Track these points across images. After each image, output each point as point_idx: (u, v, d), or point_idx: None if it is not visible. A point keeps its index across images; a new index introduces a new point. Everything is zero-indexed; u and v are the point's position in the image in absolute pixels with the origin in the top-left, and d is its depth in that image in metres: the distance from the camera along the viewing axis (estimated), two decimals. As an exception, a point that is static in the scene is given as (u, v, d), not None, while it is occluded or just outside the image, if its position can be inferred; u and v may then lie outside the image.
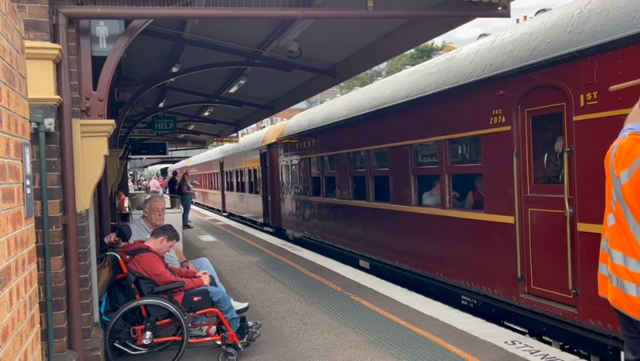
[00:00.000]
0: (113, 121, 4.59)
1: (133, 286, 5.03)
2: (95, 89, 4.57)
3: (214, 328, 5.28)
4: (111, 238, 5.49)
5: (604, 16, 5.17)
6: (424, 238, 8.40)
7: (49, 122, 3.94)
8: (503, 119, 6.44)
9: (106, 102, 4.58)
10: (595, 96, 5.19)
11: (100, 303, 5.07)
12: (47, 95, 3.99)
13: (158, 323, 4.96)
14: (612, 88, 3.40)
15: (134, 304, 4.92)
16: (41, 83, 3.97)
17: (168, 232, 5.44)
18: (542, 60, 5.78)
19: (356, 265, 10.68)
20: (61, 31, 4.18)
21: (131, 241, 5.47)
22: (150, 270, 5.04)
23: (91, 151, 4.44)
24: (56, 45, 4.06)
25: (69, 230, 4.19)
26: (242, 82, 10.19)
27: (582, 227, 5.39)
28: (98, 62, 4.77)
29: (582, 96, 5.35)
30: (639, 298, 2.51)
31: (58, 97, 4.08)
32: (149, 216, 6.18)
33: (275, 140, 16.66)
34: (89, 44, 4.56)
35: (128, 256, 5.11)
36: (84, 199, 4.42)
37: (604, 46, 5.07)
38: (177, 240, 5.56)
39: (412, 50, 42.98)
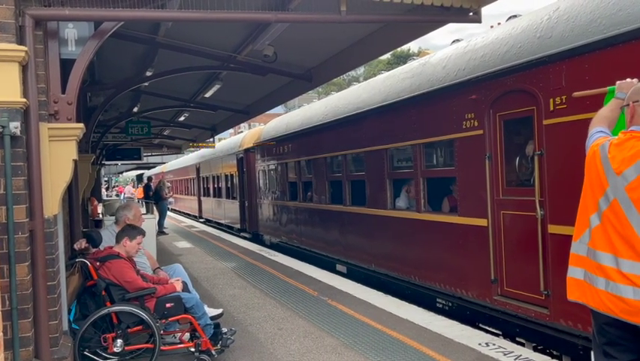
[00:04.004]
0: (82, 125, 4.51)
1: (103, 293, 4.92)
2: (63, 92, 4.48)
3: (187, 335, 5.20)
4: (81, 244, 5.37)
5: (571, 22, 5.29)
6: (400, 242, 8.44)
7: (15, 126, 3.85)
8: (476, 123, 6.52)
9: (75, 106, 4.49)
10: (564, 100, 5.29)
11: (69, 311, 4.96)
12: (13, 98, 3.90)
13: (129, 330, 4.86)
14: (576, 94, 3.46)
15: (104, 311, 4.82)
16: (6, 86, 3.88)
17: (127, 232, 5.33)
18: (513, 65, 5.88)
19: (333, 270, 10.67)
20: (27, 33, 4.09)
21: (101, 248, 5.36)
22: (121, 277, 4.94)
23: (59, 155, 4.35)
24: (22, 47, 3.97)
25: (36, 236, 4.09)
26: (217, 86, 10.14)
27: (553, 229, 5.47)
28: (67, 65, 4.68)
29: (551, 100, 5.45)
30: (638, 301, 2.42)
31: (25, 100, 3.99)
32: (136, 223, 5.96)
33: (252, 145, 16.59)
34: (57, 47, 4.47)
35: (98, 263, 5.01)
36: (52, 205, 4.32)
37: (571, 51, 5.18)
38: (142, 235, 5.41)
39: (389, 56, 43.30)
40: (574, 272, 2.72)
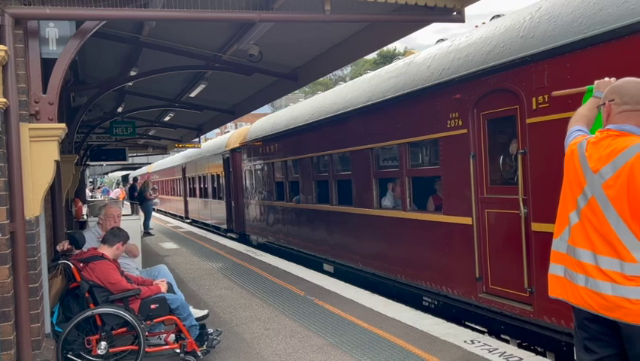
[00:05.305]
0: (63, 125, 4.45)
1: (87, 294, 4.88)
2: (44, 92, 4.42)
3: (173, 336, 5.17)
4: (64, 245, 5.31)
5: (553, 22, 5.34)
6: (386, 241, 8.47)
7: (-6, 126, 3.79)
8: (460, 123, 6.56)
9: (56, 106, 4.43)
10: (546, 99, 5.34)
11: (52, 313, 4.89)
12: (-8, 98, 3.84)
13: (113, 332, 4.82)
14: (555, 93, 3.51)
15: (88, 313, 4.77)
16: (-15, 86, 3.82)
17: (122, 236, 5.31)
18: (496, 64, 5.93)
19: (320, 270, 10.67)
20: (7, 32, 4.03)
21: (85, 249, 5.31)
22: (105, 278, 4.90)
23: (40, 156, 4.29)
24: (2, 46, 3.92)
25: (17, 238, 4.03)
26: (202, 86, 10.08)
27: (536, 227, 5.53)
28: (49, 65, 4.62)
29: (534, 99, 5.50)
30: (616, 297, 2.46)
31: (5, 100, 3.93)
32: (105, 223, 6.02)
33: (238, 145, 16.53)
34: (37, 46, 4.40)
35: (81, 264, 4.96)
36: (34, 206, 4.26)
37: (553, 50, 5.23)
38: (128, 239, 5.47)
39: (375, 56, 43.51)
40: (555, 269, 2.76)
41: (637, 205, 2.44)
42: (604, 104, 2.75)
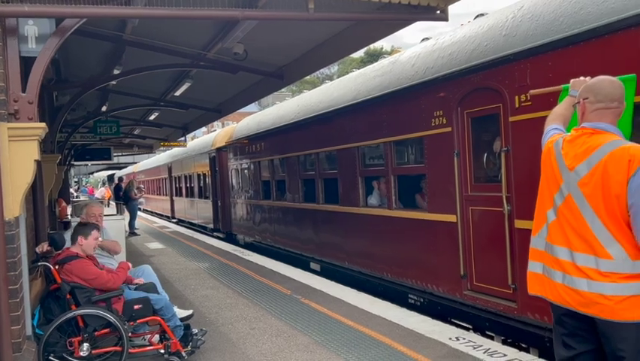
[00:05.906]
0: (43, 124, 4.38)
1: (68, 296, 4.81)
2: (24, 91, 4.35)
3: (157, 336, 5.13)
4: (43, 247, 5.24)
5: (535, 20, 5.39)
6: (372, 239, 8.49)
7: (-29, 126, 3.72)
8: (444, 121, 6.59)
9: (36, 105, 4.37)
10: (529, 97, 5.38)
11: (32, 316, 4.82)
12: (-31, 97, 3.77)
13: (96, 333, 4.77)
14: (532, 92, 3.55)
15: (70, 314, 4.71)
16: (-38, 84, 3.75)
17: (80, 230, 5.20)
18: (479, 63, 5.96)
19: (307, 268, 10.66)
20: (-16, 29, 3.97)
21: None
22: (85, 275, 4.84)
23: (20, 156, 4.22)
24: (-21, 44, 3.85)
25: (-4, 239, 3.97)
26: (187, 84, 10.01)
27: (519, 224, 5.57)
28: (29, 63, 4.55)
29: (517, 97, 5.54)
30: (592, 293, 2.49)
31: (-18, 99, 3.86)
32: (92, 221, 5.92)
33: (224, 143, 16.45)
34: (16, 44, 4.33)
35: (57, 266, 4.89)
36: (13, 206, 4.19)
37: (535, 49, 5.27)
38: (98, 229, 5.33)
39: (362, 54, 43.61)
40: (533, 267, 2.79)
41: (611, 202, 2.47)
42: (579, 102, 2.78)
